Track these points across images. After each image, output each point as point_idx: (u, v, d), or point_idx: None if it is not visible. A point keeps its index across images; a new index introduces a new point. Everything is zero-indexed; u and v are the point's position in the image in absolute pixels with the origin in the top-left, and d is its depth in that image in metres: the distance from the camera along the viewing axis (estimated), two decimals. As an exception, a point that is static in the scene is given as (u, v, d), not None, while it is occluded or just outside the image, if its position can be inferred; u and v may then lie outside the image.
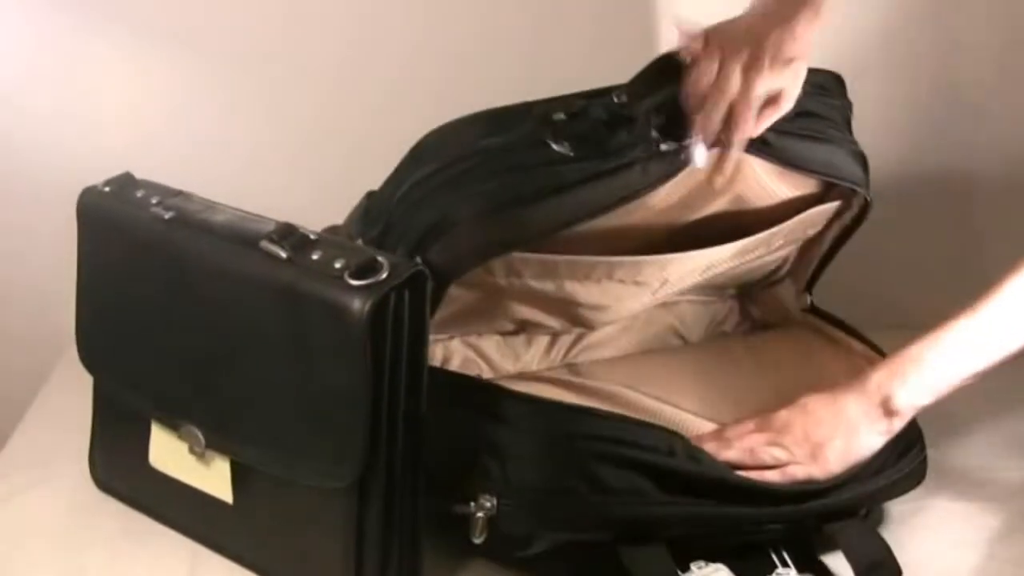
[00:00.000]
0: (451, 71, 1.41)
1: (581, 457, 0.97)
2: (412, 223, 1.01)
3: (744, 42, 1.00)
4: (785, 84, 1.02)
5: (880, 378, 1.02)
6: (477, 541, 0.96)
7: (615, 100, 1.03)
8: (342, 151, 1.42)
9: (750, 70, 0.99)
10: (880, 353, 1.15)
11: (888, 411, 1.01)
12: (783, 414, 1.04)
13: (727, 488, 0.98)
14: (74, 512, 1.10)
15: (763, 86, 1.00)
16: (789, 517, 1.00)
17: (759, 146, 1.06)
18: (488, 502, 0.96)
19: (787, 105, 1.03)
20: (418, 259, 0.98)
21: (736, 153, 1.04)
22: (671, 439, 0.99)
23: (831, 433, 1.01)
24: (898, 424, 1.02)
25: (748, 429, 1.05)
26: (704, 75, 1.00)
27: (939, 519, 1.07)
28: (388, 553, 0.94)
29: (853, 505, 1.02)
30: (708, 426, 1.10)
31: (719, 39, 1.01)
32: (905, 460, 1.04)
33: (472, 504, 0.96)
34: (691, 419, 1.11)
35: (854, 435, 1.01)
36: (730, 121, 1.01)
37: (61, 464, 1.15)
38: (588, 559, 0.98)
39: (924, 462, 1.06)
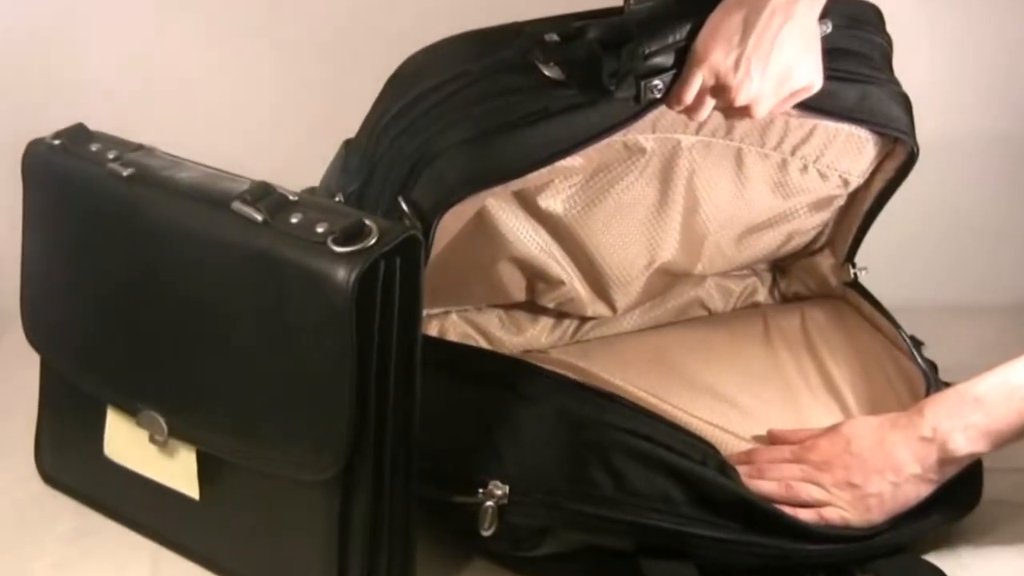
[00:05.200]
0: (435, 16, 1.38)
1: (607, 447, 0.93)
2: (396, 161, 0.99)
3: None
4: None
5: (935, 418, 0.94)
6: (486, 534, 0.93)
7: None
8: (322, 105, 1.41)
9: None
10: (917, 351, 1.10)
11: (942, 459, 0.94)
12: (823, 445, 0.98)
13: (757, 514, 0.93)
14: (18, 510, 1.07)
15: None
16: (824, 556, 0.94)
17: None
18: (499, 489, 0.93)
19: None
20: (401, 200, 0.96)
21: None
22: (704, 449, 0.95)
23: (876, 479, 0.94)
24: (951, 471, 0.94)
25: (783, 456, 0.99)
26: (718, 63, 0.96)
27: (997, 519, 1.01)
28: (376, 555, 0.91)
29: (895, 548, 0.95)
30: (725, 439, 1.04)
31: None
32: (959, 496, 0.97)
33: (480, 492, 0.93)
34: (711, 430, 1.05)
35: (901, 483, 0.94)
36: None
37: (3, 456, 1.13)
38: (604, 569, 0.95)
39: (980, 489, 0.99)
